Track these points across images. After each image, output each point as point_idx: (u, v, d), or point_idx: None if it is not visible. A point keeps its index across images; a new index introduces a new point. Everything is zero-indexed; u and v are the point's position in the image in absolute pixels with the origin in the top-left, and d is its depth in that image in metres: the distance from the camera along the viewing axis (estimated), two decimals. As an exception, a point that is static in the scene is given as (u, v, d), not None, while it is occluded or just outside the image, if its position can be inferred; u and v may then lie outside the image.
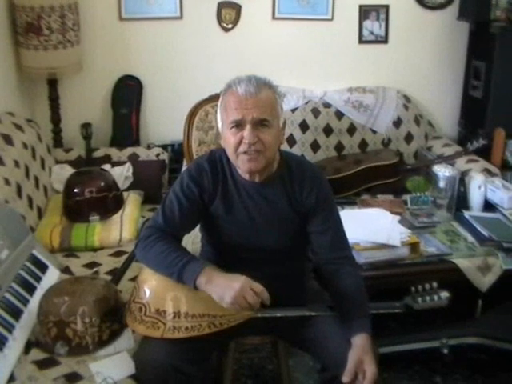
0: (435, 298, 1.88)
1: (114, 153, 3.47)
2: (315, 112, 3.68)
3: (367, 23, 3.84)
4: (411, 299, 1.90)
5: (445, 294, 1.88)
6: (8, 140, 2.76)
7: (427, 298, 1.89)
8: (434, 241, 2.73)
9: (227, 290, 1.74)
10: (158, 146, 3.62)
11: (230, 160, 1.97)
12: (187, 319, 1.83)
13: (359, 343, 1.82)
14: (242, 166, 1.90)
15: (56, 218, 2.86)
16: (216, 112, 3.19)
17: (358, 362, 1.78)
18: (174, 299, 1.84)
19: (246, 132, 1.83)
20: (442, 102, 4.05)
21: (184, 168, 3.25)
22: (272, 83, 1.93)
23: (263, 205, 1.99)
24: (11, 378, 1.82)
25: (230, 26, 3.70)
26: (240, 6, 3.67)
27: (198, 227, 2.14)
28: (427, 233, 2.81)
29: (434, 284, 1.90)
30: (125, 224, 2.85)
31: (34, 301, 2.12)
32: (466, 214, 2.96)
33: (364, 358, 1.79)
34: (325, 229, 2.00)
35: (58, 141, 3.56)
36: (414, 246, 2.60)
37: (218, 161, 2.01)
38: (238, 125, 1.85)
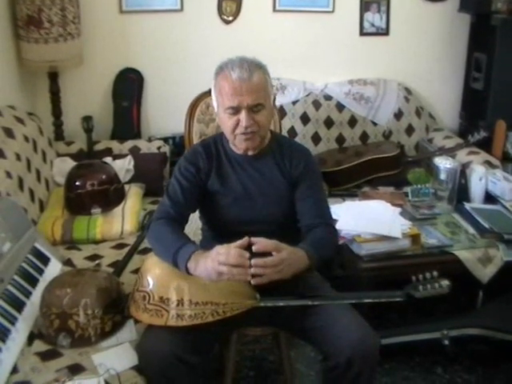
0: (436, 285, 1.88)
1: (115, 146, 3.48)
2: (316, 104, 3.68)
3: (368, 15, 3.83)
4: (412, 288, 1.90)
5: (445, 282, 1.89)
6: (9, 133, 2.76)
7: (428, 286, 1.89)
8: (434, 232, 2.73)
9: (207, 268, 1.80)
10: (159, 139, 3.63)
11: (222, 139, 2.14)
12: (190, 307, 1.84)
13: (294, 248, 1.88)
14: (240, 144, 2.05)
15: (58, 210, 2.87)
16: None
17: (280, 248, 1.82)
18: (177, 287, 1.86)
19: (243, 116, 1.96)
20: (442, 94, 4.05)
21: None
22: (262, 63, 2.03)
23: (256, 176, 2.11)
24: (14, 370, 1.82)
25: (230, 18, 3.69)
26: (241, -1, 3.67)
27: (198, 218, 2.16)
28: (428, 224, 2.81)
29: (435, 273, 1.91)
30: (126, 217, 2.85)
31: (37, 293, 2.13)
32: (467, 205, 2.96)
33: (285, 253, 1.82)
34: (307, 195, 2.10)
35: (59, 134, 3.57)
36: (414, 238, 2.61)
37: (211, 143, 2.17)
38: (234, 110, 1.96)
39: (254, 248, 1.79)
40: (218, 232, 2.19)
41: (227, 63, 1.99)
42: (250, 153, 2.08)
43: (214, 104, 2.07)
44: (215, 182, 2.10)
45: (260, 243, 1.80)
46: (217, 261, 1.78)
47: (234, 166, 2.12)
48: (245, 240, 1.82)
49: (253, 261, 1.76)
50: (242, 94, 1.93)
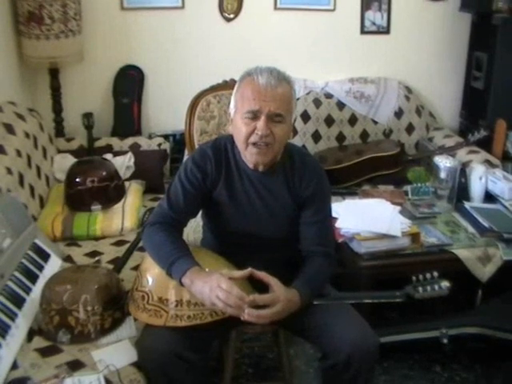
0: (436, 287, 1.89)
1: (116, 142, 3.48)
2: (316, 102, 3.68)
3: (369, 14, 3.83)
4: (412, 288, 1.91)
5: (445, 284, 1.89)
6: (10, 129, 2.77)
7: (428, 287, 1.89)
8: (434, 231, 2.73)
9: (203, 292, 1.78)
10: (160, 136, 3.63)
11: (234, 147, 2.02)
12: (189, 307, 1.85)
13: (290, 293, 1.86)
14: (250, 157, 1.93)
15: (58, 207, 2.87)
16: (217, 101, 3.21)
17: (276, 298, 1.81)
18: (176, 287, 1.86)
19: (260, 123, 1.86)
20: (443, 93, 4.05)
21: (186, 157, 3.26)
22: (290, 79, 1.95)
23: (264, 193, 2.02)
24: (14, 366, 1.83)
25: (231, 15, 3.69)
26: (242, -4, 3.67)
27: (199, 215, 2.15)
28: (428, 223, 2.81)
29: (435, 273, 1.91)
30: (126, 213, 2.85)
31: (37, 289, 2.13)
32: (467, 204, 2.97)
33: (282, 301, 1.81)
34: (313, 221, 2.04)
35: (59, 130, 3.57)
36: (414, 237, 2.61)
37: (222, 148, 2.04)
38: (253, 115, 1.87)
39: (250, 298, 1.77)
40: (219, 239, 2.14)
41: (255, 68, 1.91)
42: (261, 169, 1.98)
43: (232, 109, 1.97)
44: (222, 192, 2.02)
45: (257, 297, 1.79)
46: (215, 293, 1.75)
47: (243, 178, 2.02)
48: (247, 272, 1.83)
49: (246, 310, 1.76)
50: (265, 100, 1.84)
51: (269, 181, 2.02)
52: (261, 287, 1.89)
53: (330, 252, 2.07)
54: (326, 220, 2.09)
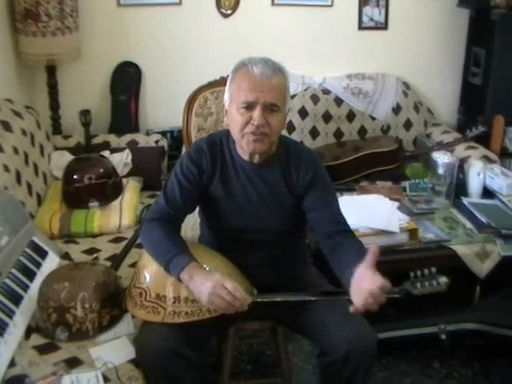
0: (434, 283, 1.88)
1: (113, 139, 3.47)
2: (314, 98, 3.67)
3: (367, 9, 3.82)
4: (410, 284, 1.90)
5: (443, 280, 1.88)
6: (7, 127, 2.76)
7: (426, 283, 1.88)
8: (432, 227, 2.74)
9: (202, 289, 1.75)
10: (157, 133, 3.62)
11: (229, 141, 2.01)
12: (187, 304, 1.84)
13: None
14: (246, 146, 1.90)
15: (55, 204, 2.87)
16: (215, 98, 3.20)
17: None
18: (174, 284, 1.85)
19: (256, 114, 1.84)
20: (441, 89, 4.04)
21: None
22: (285, 69, 1.94)
23: (261, 186, 2.00)
24: (12, 363, 1.83)
25: (229, 12, 3.68)
26: (239, -8, 3.66)
27: (197, 212, 2.15)
28: (426, 219, 2.82)
29: (433, 269, 1.90)
30: (124, 210, 2.85)
31: (34, 287, 2.13)
32: (465, 200, 2.97)
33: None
34: (323, 203, 1.99)
35: (56, 127, 3.56)
36: (412, 233, 2.61)
37: (217, 142, 2.03)
38: (249, 106, 1.85)
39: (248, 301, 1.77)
40: (217, 236, 2.12)
41: (250, 59, 1.90)
42: (256, 160, 1.95)
43: (226, 101, 1.96)
44: (218, 187, 2.00)
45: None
46: (217, 292, 1.72)
47: (239, 172, 2.00)
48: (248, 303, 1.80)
49: (377, 292, 1.68)
50: (261, 91, 1.83)
51: (265, 173, 2.00)
52: (260, 285, 1.90)
53: (350, 229, 2.00)
54: (335, 201, 2.04)
